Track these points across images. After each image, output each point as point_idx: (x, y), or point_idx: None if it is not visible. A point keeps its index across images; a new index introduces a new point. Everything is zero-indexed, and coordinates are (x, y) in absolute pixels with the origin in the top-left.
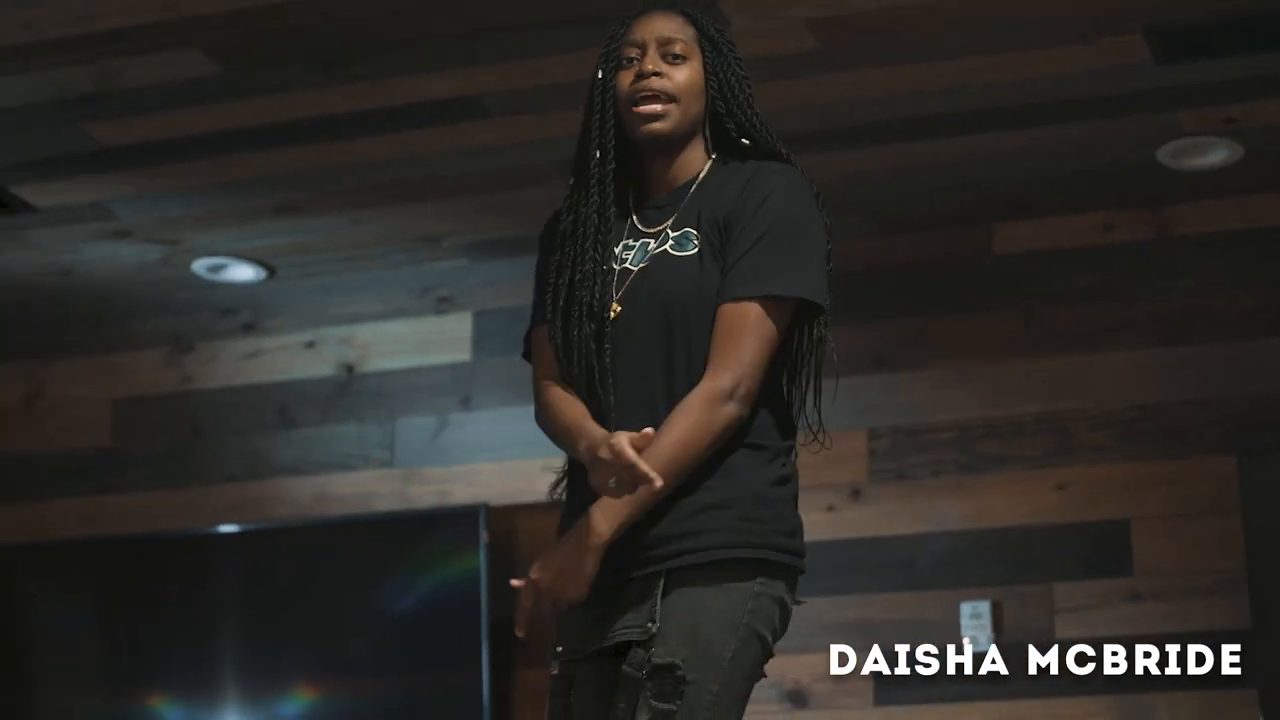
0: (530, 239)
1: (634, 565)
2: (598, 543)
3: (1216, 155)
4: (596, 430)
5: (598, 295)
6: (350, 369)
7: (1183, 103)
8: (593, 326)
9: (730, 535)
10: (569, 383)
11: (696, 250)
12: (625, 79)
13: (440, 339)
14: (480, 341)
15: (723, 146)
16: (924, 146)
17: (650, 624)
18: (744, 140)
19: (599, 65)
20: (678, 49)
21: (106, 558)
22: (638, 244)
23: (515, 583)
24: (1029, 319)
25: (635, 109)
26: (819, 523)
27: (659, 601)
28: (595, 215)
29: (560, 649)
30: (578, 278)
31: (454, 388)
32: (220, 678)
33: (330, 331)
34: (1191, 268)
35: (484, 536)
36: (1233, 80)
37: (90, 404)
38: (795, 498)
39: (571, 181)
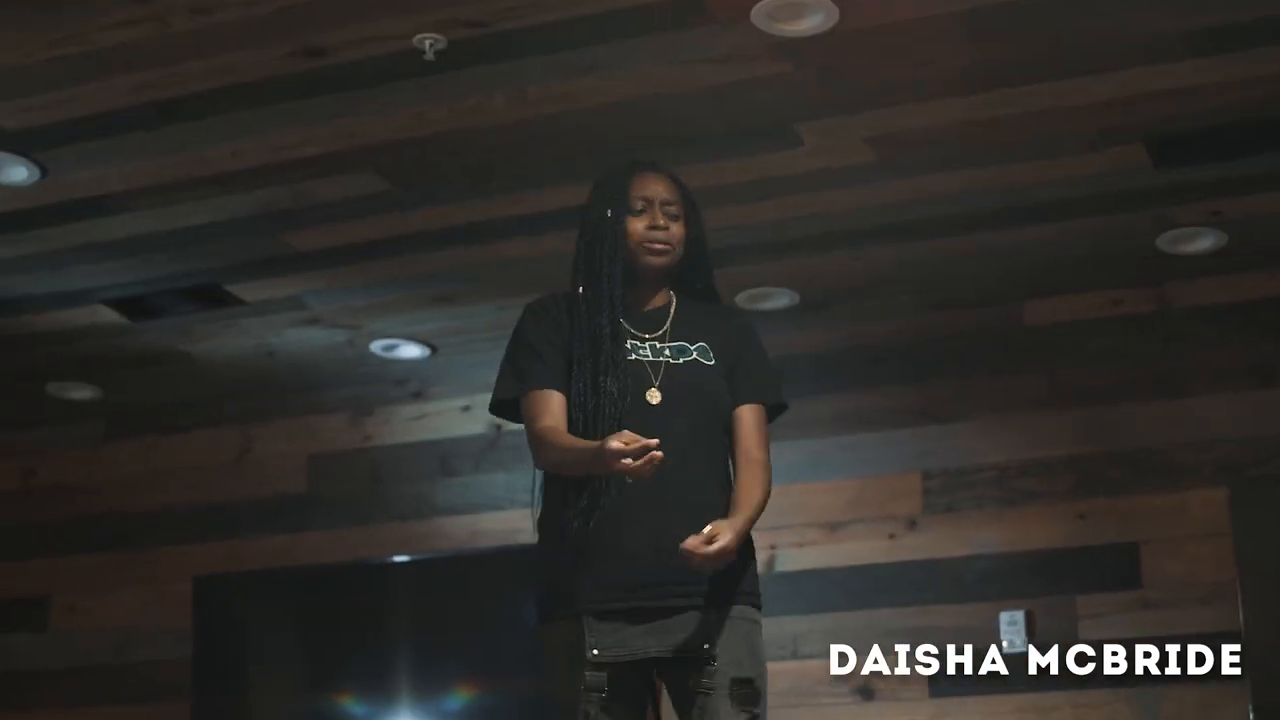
0: None
1: (685, 595)
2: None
3: (1205, 241)
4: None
5: (628, 385)
6: (499, 428)
7: (1177, 199)
8: (611, 405)
9: (756, 584)
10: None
11: (714, 364)
12: (638, 224)
13: None
14: None
15: (680, 281)
16: (963, 239)
17: (711, 646)
18: (698, 284)
19: (607, 205)
20: (674, 210)
21: (303, 583)
22: (645, 344)
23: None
24: (1052, 378)
25: (649, 245)
26: (882, 548)
27: (721, 630)
28: (614, 323)
29: (596, 651)
30: (614, 368)
31: None
32: (395, 680)
33: (482, 398)
34: (1187, 334)
35: None
36: (1218, 181)
37: (289, 457)
38: None
39: (581, 288)
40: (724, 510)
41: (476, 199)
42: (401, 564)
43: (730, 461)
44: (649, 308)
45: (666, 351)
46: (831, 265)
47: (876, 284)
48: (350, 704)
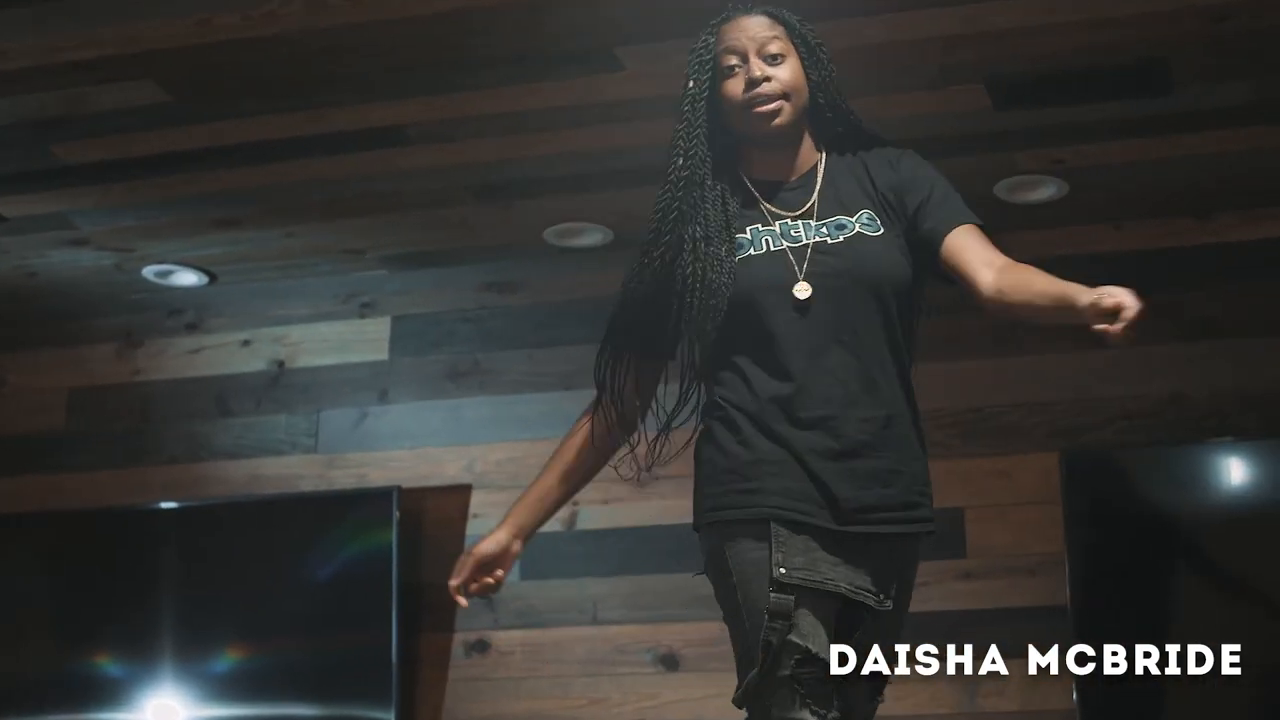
0: (443, 251)
1: (883, 519)
2: None
3: (1046, 190)
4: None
5: (724, 276)
6: (281, 365)
7: (1017, 145)
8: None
9: (930, 510)
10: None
11: (883, 232)
12: (734, 87)
13: (361, 340)
14: (397, 343)
15: (821, 134)
16: None
17: (887, 599)
18: (839, 128)
19: (690, 76)
20: (775, 48)
21: (59, 530)
22: (795, 223)
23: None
24: None
25: (755, 110)
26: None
27: (900, 573)
28: (722, 204)
29: (787, 569)
30: (709, 273)
31: (373, 383)
32: (159, 638)
33: (264, 332)
34: None
35: (396, 515)
36: (1061, 127)
37: (48, 391)
38: None
39: (672, 174)
40: (910, 417)
41: (266, 114)
42: (170, 510)
43: (906, 350)
44: (789, 178)
45: (824, 230)
46: (648, 201)
47: None
48: (107, 665)
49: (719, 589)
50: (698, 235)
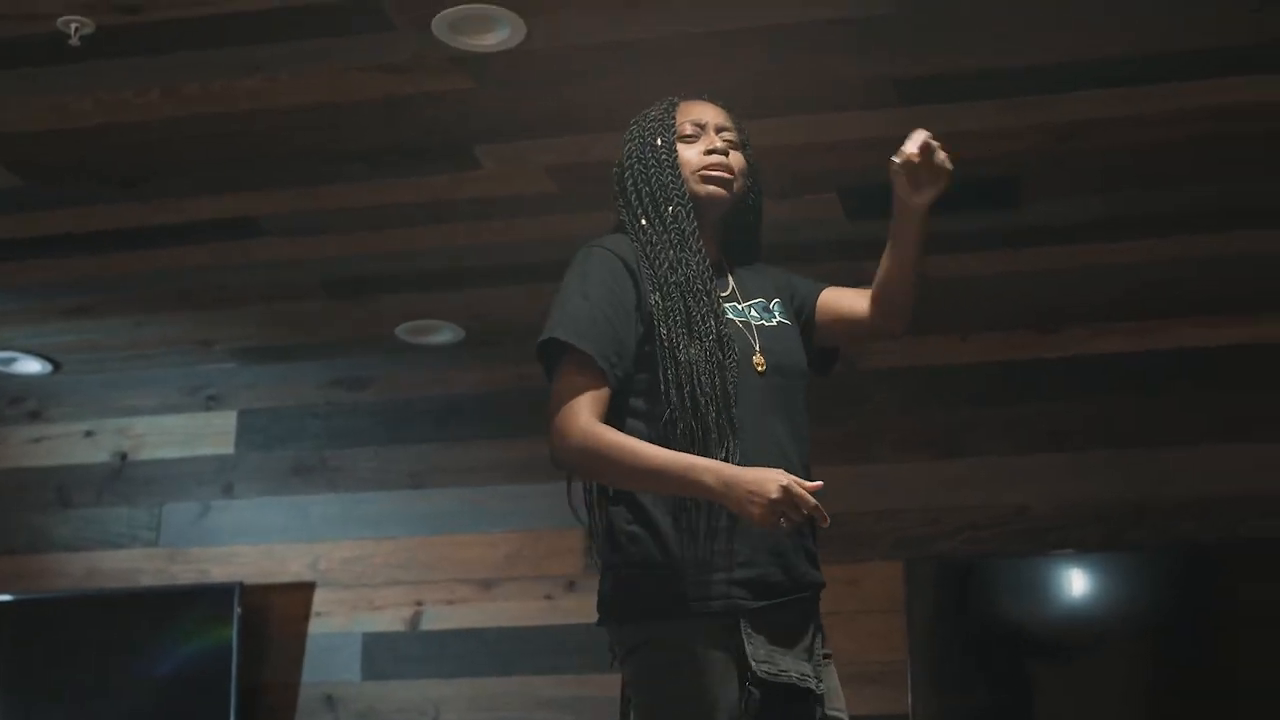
0: (292, 345)
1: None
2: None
3: None
4: (727, 466)
5: (736, 350)
6: (124, 457)
7: (869, 254)
8: (729, 375)
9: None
10: (678, 418)
11: (792, 324)
12: (689, 150)
13: (207, 433)
14: (243, 436)
15: (730, 234)
16: None
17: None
18: (754, 233)
19: (656, 132)
20: (730, 136)
21: None
22: (727, 303)
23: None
24: None
25: (705, 171)
26: (538, 610)
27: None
28: (706, 270)
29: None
30: (722, 330)
31: (217, 477)
32: None
33: (108, 422)
34: (871, 394)
35: (237, 611)
36: None
37: None
38: None
39: (643, 223)
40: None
41: (119, 202)
42: (6, 603)
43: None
44: (711, 260)
45: (753, 311)
46: (502, 300)
47: None
48: None
49: (650, 692)
50: (691, 289)
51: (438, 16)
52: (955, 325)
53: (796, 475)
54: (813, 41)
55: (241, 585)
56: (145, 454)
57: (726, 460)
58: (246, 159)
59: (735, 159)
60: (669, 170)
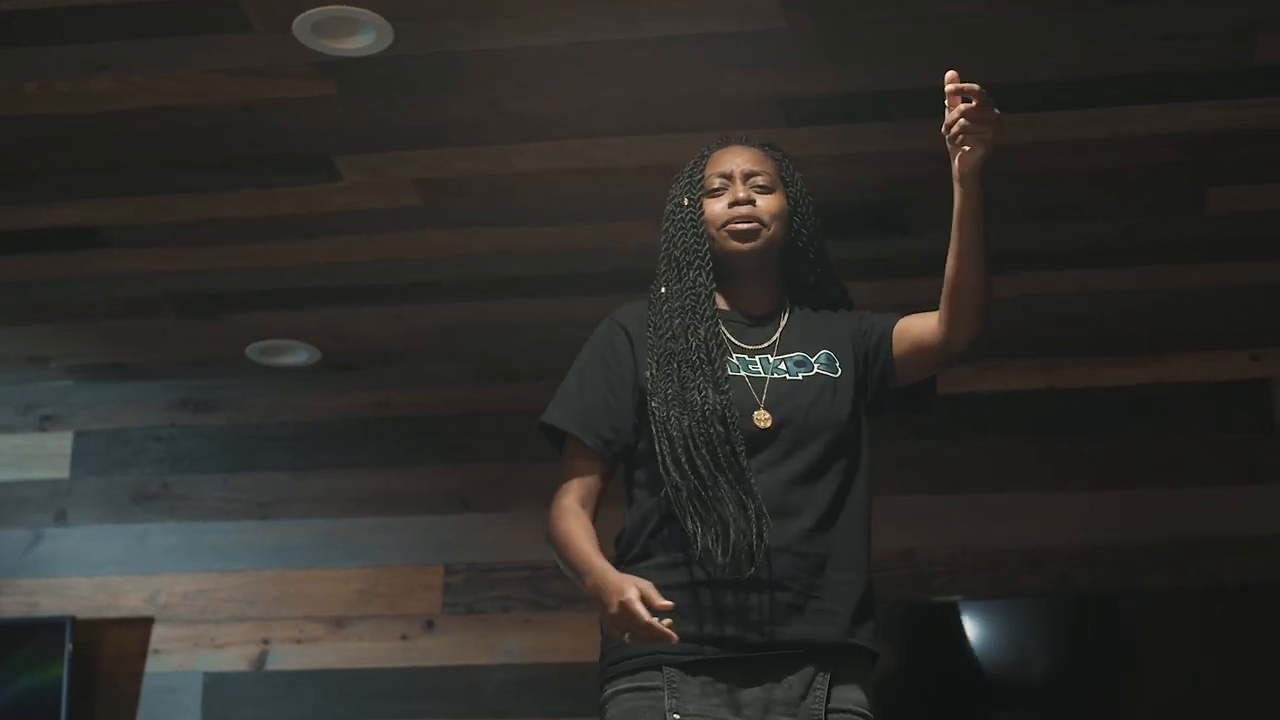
0: (134, 363)
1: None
2: None
3: None
4: (604, 572)
5: (731, 407)
6: None
7: None
8: (725, 433)
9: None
10: (680, 488)
11: (841, 375)
12: (717, 204)
13: (40, 455)
14: (79, 459)
15: (792, 281)
16: (515, 303)
17: None
18: (811, 279)
19: (682, 192)
20: (763, 180)
21: None
22: (754, 358)
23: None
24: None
25: (729, 227)
26: (393, 650)
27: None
28: (713, 336)
29: None
30: (718, 396)
31: (50, 503)
32: None
33: None
34: None
35: (69, 648)
36: None
37: None
38: None
39: (662, 291)
40: (847, 563)
41: None
42: None
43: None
44: (753, 313)
45: (782, 365)
46: (362, 320)
47: (413, 347)
48: None
49: None
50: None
51: (299, 18)
52: None
53: (809, 533)
54: (697, 56)
55: (73, 619)
56: None
57: (751, 520)
58: (90, 164)
59: (767, 204)
60: (691, 231)
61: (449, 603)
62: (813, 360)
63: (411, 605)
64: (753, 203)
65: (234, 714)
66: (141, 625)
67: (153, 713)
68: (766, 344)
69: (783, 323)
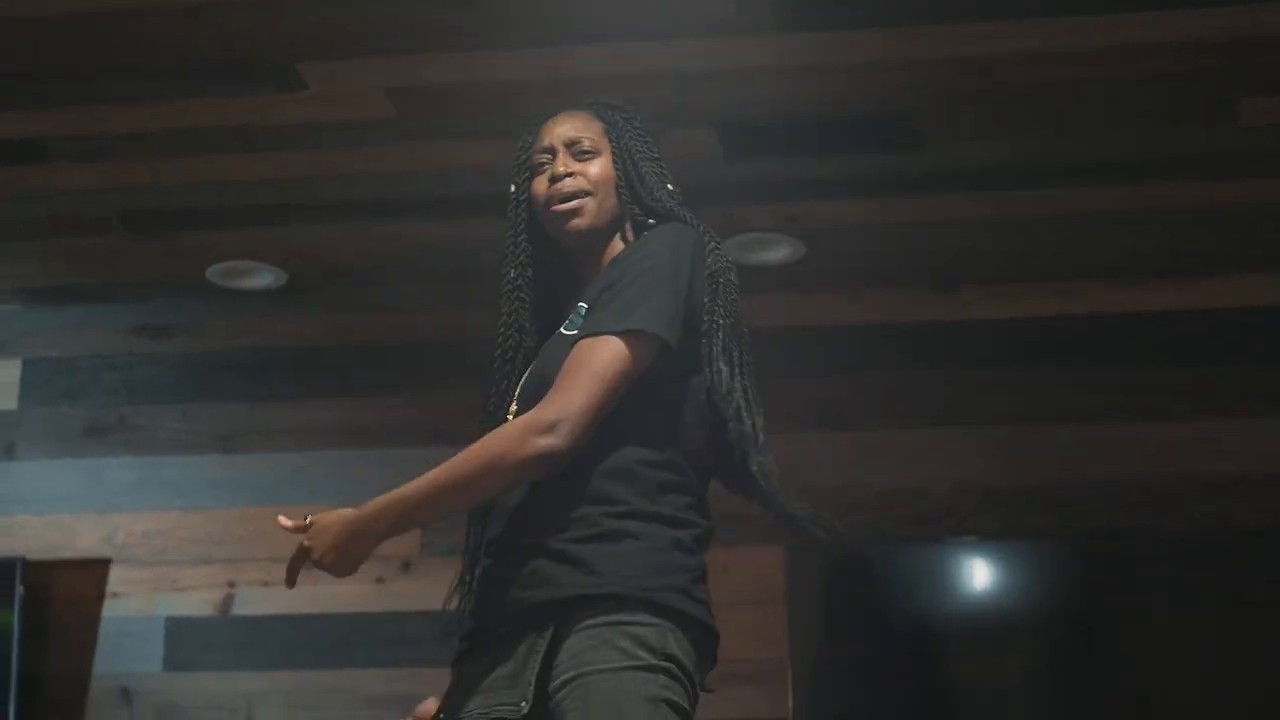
0: (84, 286)
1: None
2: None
3: (780, 252)
4: None
5: (500, 407)
6: None
7: (750, 199)
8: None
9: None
10: None
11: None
12: (540, 185)
13: None
14: (27, 390)
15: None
16: (496, 224)
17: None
18: (651, 221)
19: (512, 178)
20: (586, 145)
21: None
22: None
23: (284, 522)
24: None
25: (551, 209)
26: (367, 594)
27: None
28: (514, 334)
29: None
30: (490, 400)
31: None
32: None
33: None
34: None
35: (19, 591)
36: (795, 180)
37: None
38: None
39: (500, 304)
40: (581, 547)
41: None
42: None
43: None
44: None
45: (561, 327)
46: (330, 240)
47: (383, 268)
48: None
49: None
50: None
51: None
52: (844, 282)
53: (523, 544)
54: None
55: (24, 561)
56: None
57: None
58: (30, 70)
59: (592, 169)
60: (512, 227)
61: (428, 543)
62: (568, 322)
63: (386, 546)
64: (571, 175)
65: (198, 661)
66: (98, 567)
67: (111, 660)
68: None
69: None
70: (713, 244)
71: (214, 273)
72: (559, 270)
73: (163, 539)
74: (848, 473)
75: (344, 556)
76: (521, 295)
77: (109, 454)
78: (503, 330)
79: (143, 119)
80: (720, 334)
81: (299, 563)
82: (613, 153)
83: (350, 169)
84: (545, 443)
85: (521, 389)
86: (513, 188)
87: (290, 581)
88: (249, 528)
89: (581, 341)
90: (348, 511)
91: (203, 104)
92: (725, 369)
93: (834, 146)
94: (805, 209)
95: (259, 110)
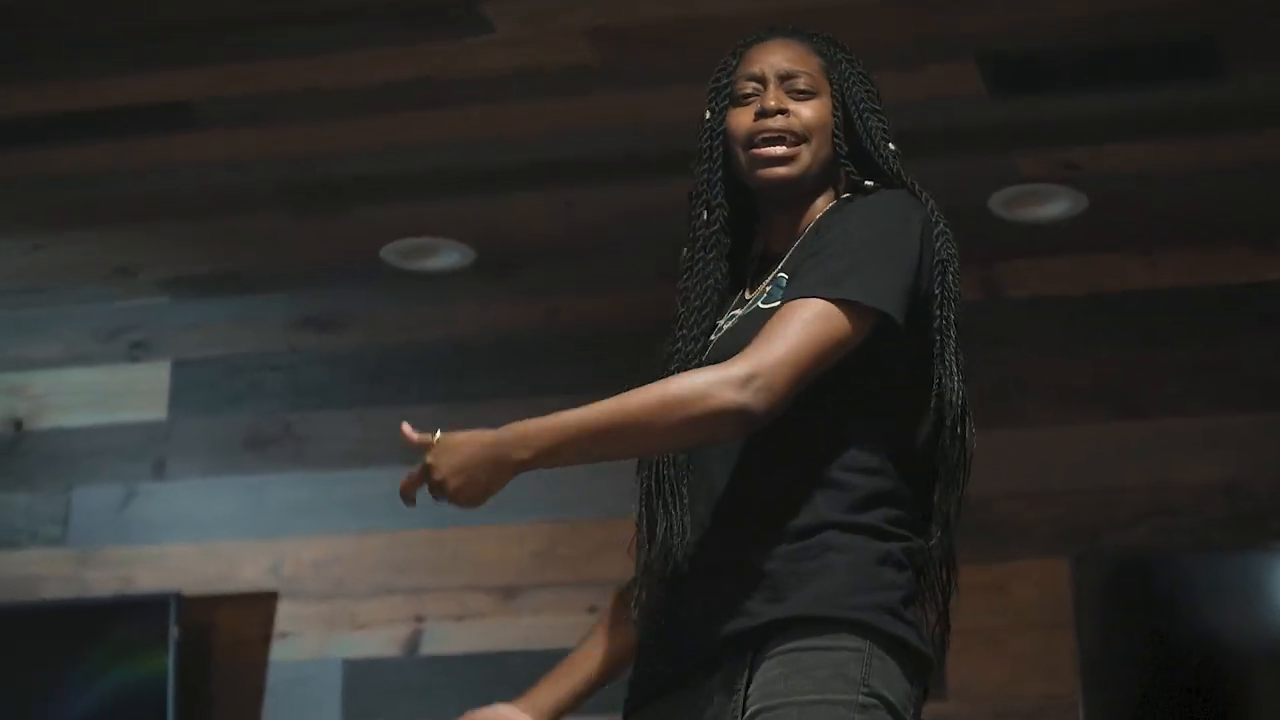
0: (243, 273)
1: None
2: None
3: (1057, 206)
4: None
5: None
6: (19, 425)
7: (1020, 144)
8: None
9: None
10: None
11: (783, 297)
12: (742, 117)
13: (131, 392)
14: (179, 396)
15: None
16: None
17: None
18: (868, 182)
19: (707, 104)
20: (803, 83)
21: None
22: (740, 311)
23: (408, 431)
24: None
25: (755, 151)
26: (580, 626)
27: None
28: (708, 291)
29: None
30: (673, 364)
31: (145, 451)
32: None
33: None
34: (1023, 334)
35: (174, 632)
36: (1076, 119)
37: None
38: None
39: (684, 251)
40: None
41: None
42: None
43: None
44: (778, 250)
45: (759, 302)
46: (525, 211)
47: (588, 239)
48: None
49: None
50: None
51: None
52: (1135, 239)
53: (738, 519)
54: None
55: (178, 597)
56: (47, 421)
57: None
58: (170, 25)
59: (807, 111)
60: (707, 160)
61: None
62: (770, 289)
63: (599, 569)
64: (784, 112)
65: (382, 709)
66: (263, 602)
67: (281, 710)
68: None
69: (790, 254)
70: (942, 226)
71: (390, 252)
72: (750, 219)
73: (338, 568)
74: (1150, 469)
75: (470, 483)
76: (717, 241)
77: (273, 470)
78: (694, 283)
79: (303, 75)
80: (954, 332)
81: (416, 484)
82: (833, 95)
83: (547, 125)
84: (737, 398)
85: (707, 360)
86: (707, 115)
87: (407, 500)
88: (439, 552)
89: (788, 303)
90: (485, 432)
91: (373, 55)
92: (959, 376)
93: (1120, 78)
94: (1088, 154)
95: (439, 60)
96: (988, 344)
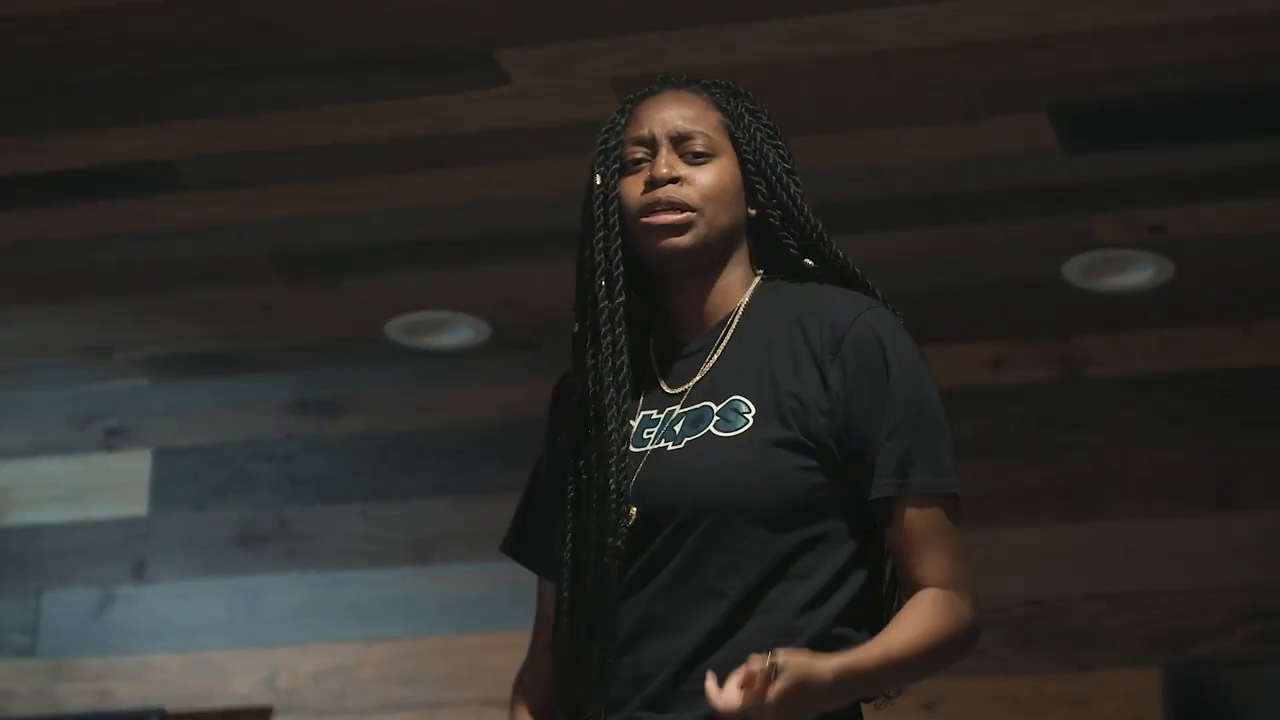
0: (232, 351)
1: None
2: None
3: (1140, 273)
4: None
5: (616, 498)
6: None
7: (1098, 204)
8: (611, 540)
9: None
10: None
11: (750, 426)
12: (632, 188)
13: (107, 485)
14: (160, 489)
15: (773, 264)
16: None
17: None
18: (807, 260)
19: (595, 168)
20: (699, 144)
21: None
22: (663, 414)
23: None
24: None
25: (645, 220)
26: None
27: None
28: (622, 369)
29: None
30: (592, 473)
31: (123, 551)
32: None
33: None
34: (1104, 419)
35: None
36: (1162, 177)
37: None
38: None
39: (575, 329)
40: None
41: None
42: None
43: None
44: (693, 341)
45: (680, 421)
46: (544, 281)
47: None
48: None
49: None
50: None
51: None
52: (1229, 310)
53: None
54: None
55: (162, 713)
56: (14, 518)
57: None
58: (156, 72)
59: (703, 177)
60: (602, 229)
61: None
62: (717, 407)
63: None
64: (677, 180)
65: None
66: (257, 719)
67: None
68: (679, 390)
69: (724, 343)
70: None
71: (395, 328)
72: (647, 300)
73: (340, 680)
74: (1248, 568)
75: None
76: (624, 316)
77: (267, 571)
78: (604, 361)
79: (300, 131)
80: None
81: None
82: (739, 155)
83: (568, 185)
84: (979, 626)
85: (645, 484)
86: (597, 180)
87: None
88: (452, 662)
89: (934, 504)
90: (825, 673)
91: (376, 109)
92: None
93: (1209, 131)
94: (1174, 216)
95: (449, 113)
96: (1064, 429)
